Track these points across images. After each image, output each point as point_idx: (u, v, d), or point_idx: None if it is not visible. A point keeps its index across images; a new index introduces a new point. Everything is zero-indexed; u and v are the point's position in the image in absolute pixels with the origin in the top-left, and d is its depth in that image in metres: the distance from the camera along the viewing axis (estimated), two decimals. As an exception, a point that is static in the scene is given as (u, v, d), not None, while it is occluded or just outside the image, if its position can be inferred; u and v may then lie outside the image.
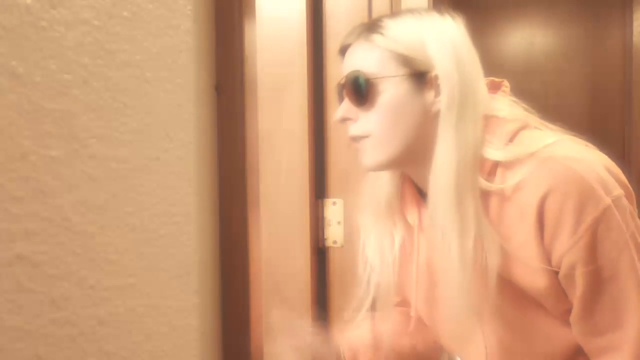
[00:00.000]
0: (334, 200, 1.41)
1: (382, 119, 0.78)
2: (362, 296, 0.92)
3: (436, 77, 0.78)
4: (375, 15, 1.37)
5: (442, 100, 0.77)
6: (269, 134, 1.37)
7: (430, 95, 0.78)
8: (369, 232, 0.93)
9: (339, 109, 0.83)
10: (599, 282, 0.76)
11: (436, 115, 0.79)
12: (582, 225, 0.73)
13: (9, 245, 0.41)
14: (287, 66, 1.36)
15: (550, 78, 3.11)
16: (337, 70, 1.39)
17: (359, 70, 0.79)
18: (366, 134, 0.80)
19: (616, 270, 0.75)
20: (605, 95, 3.05)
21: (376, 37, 0.79)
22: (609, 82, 3.06)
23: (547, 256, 0.77)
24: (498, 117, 0.80)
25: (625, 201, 0.75)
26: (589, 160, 0.75)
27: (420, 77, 0.78)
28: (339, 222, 1.40)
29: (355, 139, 0.81)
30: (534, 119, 0.83)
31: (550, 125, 0.83)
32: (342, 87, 0.83)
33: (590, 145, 0.81)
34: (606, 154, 0.81)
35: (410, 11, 0.82)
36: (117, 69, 0.53)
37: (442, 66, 0.78)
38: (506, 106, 0.83)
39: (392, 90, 0.78)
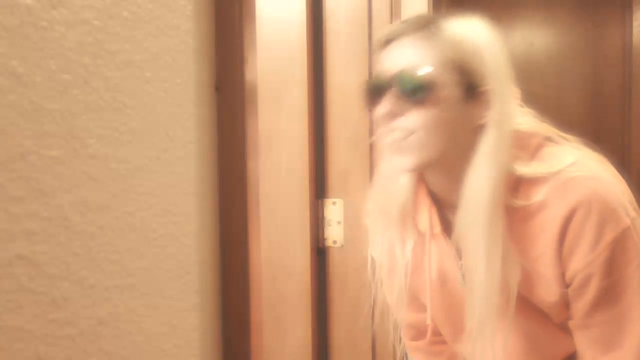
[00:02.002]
0: (334, 200, 1.41)
1: (430, 119, 0.76)
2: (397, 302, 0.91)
3: (487, 93, 0.77)
4: (375, 15, 1.37)
5: (491, 117, 0.77)
6: (269, 134, 1.37)
7: (477, 109, 0.78)
8: (380, 237, 0.92)
9: (384, 102, 0.79)
10: (607, 297, 0.76)
11: (478, 127, 0.78)
12: (601, 243, 0.74)
13: (9, 245, 0.41)
14: (287, 66, 1.36)
15: (550, 78, 3.11)
16: (337, 70, 1.39)
17: (415, 68, 0.76)
18: (411, 131, 0.77)
19: (625, 288, 0.76)
20: (605, 95, 3.05)
21: (434, 38, 0.77)
22: (608, 82, 3.06)
23: (561, 271, 0.78)
24: (521, 131, 0.80)
25: (638, 222, 0.77)
26: (610, 183, 0.76)
27: (471, 89, 0.77)
28: (339, 222, 1.40)
29: (396, 134, 0.79)
30: (550, 129, 0.84)
31: (565, 136, 0.84)
32: (385, 82, 0.79)
33: (604, 159, 0.82)
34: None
35: (460, 15, 0.80)
36: (117, 69, 0.53)
37: (496, 84, 0.77)
38: (524, 118, 0.84)
39: (444, 93, 0.76)
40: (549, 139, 0.82)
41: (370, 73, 1.37)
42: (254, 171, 0.81)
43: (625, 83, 3.06)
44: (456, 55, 0.76)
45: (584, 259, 0.75)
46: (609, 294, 0.76)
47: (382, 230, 0.91)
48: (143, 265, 0.57)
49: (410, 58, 0.77)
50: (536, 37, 3.17)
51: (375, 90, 0.81)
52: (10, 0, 0.41)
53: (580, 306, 0.78)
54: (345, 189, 1.40)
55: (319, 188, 1.41)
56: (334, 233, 1.41)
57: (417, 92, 0.76)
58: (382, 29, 1.37)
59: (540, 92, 3.13)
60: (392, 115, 0.78)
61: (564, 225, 0.75)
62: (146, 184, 0.57)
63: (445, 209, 0.87)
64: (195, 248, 0.66)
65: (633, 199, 0.79)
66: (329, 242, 1.41)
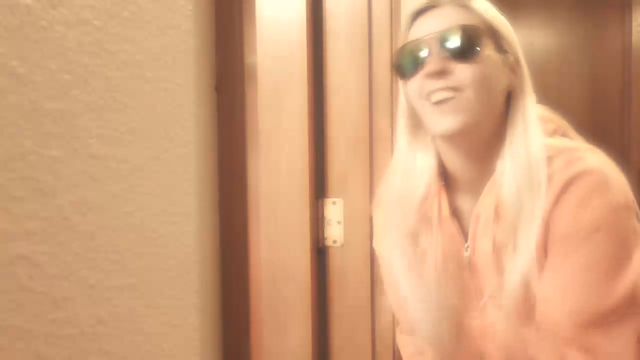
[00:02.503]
0: (333, 200, 1.41)
1: (478, 74, 0.78)
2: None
3: (514, 62, 0.83)
4: (375, 15, 1.37)
5: (520, 87, 0.82)
6: (269, 134, 1.37)
7: (509, 73, 0.83)
8: (393, 229, 0.91)
9: (433, 61, 0.80)
10: (562, 263, 0.76)
11: (508, 95, 0.83)
12: (587, 206, 0.74)
13: (9, 245, 0.41)
14: (287, 66, 1.36)
15: (550, 78, 3.11)
16: (337, 70, 1.39)
17: (463, 25, 0.79)
18: (460, 88, 0.78)
19: (584, 261, 0.75)
20: (604, 96, 3.05)
21: (470, 7, 0.82)
22: (608, 82, 3.06)
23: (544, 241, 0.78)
24: (539, 114, 0.84)
25: (635, 221, 0.77)
26: (617, 173, 0.78)
27: (504, 54, 0.83)
28: (339, 222, 1.40)
29: (443, 94, 0.79)
30: (565, 124, 0.87)
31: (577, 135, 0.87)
32: (433, 42, 0.80)
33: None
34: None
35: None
36: (117, 69, 0.53)
37: (519, 54, 0.84)
38: (540, 109, 0.87)
39: (488, 52, 0.80)
40: (562, 128, 0.86)
41: (370, 73, 1.37)
42: (254, 171, 0.81)
43: (625, 83, 3.06)
44: (491, 22, 0.82)
45: (565, 217, 0.75)
46: (571, 256, 0.75)
47: (398, 222, 0.90)
48: (143, 265, 0.57)
49: (454, 19, 0.81)
50: (536, 37, 3.17)
51: (413, 55, 0.82)
52: (10, 0, 0.41)
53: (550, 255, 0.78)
54: (345, 188, 1.40)
55: (319, 188, 1.41)
56: (334, 233, 1.41)
57: (465, 49, 0.78)
58: (382, 29, 1.37)
59: (540, 92, 3.13)
60: (441, 74, 0.79)
61: (561, 192, 0.76)
62: (146, 184, 0.57)
63: (455, 192, 0.87)
64: (195, 248, 0.66)
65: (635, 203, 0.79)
66: (329, 242, 1.42)
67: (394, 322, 1.32)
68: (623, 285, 0.72)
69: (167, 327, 0.61)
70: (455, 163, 0.85)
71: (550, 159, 0.78)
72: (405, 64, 0.83)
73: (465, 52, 0.78)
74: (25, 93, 0.42)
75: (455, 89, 0.78)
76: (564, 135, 0.86)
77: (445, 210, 0.86)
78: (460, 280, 0.87)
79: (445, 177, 0.88)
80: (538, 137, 0.79)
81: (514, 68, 0.83)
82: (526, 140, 0.79)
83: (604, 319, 0.73)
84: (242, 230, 0.76)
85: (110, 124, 0.52)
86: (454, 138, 0.82)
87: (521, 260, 0.77)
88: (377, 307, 1.38)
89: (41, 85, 0.44)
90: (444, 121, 0.79)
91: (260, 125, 1.35)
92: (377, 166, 1.37)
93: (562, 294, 0.75)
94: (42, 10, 0.44)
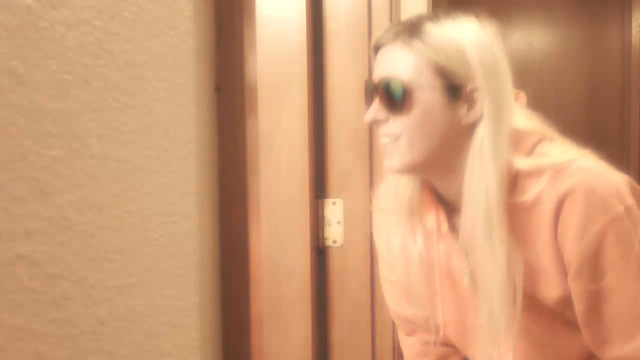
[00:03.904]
0: (333, 200, 1.41)
1: (412, 124, 0.78)
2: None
3: (472, 91, 0.78)
4: (375, 15, 1.38)
5: (481, 114, 0.78)
6: (269, 134, 1.37)
7: (462, 108, 0.79)
8: (391, 231, 0.92)
9: (370, 110, 0.82)
10: (603, 295, 0.76)
11: (467, 127, 0.79)
12: (589, 232, 0.74)
13: (9, 245, 0.41)
14: (287, 66, 1.36)
15: (549, 78, 3.11)
16: (337, 70, 1.39)
17: (393, 77, 0.78)
18: (396, 136, 0.80)
19: (623, 282, 0.75)
20: (604, 96, 3.05)
21: (416, 43, 0.78)
22: (607, 82, 3.06)
23: (562, 264, 0.78)
24: (518, 129, 0.81)
25: (638, 212, 0.76)
26: (603, 172, 0.76)
27: (455, 89, 0.78)
28: (338, 222, 1.40)
29: (384, 139, 0.81)
30: (550, 131, 0.84)
31: (566, 140, 0.85)
32: (373, 89, 0.82)
33: (602, 160, 0.82)
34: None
35: (450, 16, 0.81)
36: (117, 69, 0.53)
37: (481, 80, 0.77)
38: (524, 118, 0.84)
39: (425, 99, 0.78)
40: (546, 137, 0.82)
41: (370, 73, 1.37)
42: (254, 171, 0.81)
43: (624, 83, 3.06)
44: (437, 56, 0.77)
45: (574, 248, 0.75)
46: (606, 291, 0.76)
47: (393, 225, 0.91)
48: (143, 265, 0.57)
49: (391, 66, 0.80)
50: (536, 37, 3.17)
51: (368, 95, 0.84)
52: (10, 0, 0.41)
53: (582, 297, 0.78)
54: (345, 188, 1.40)
55: (319, 188, 1.41)
56: (333, 233, 1.41)
57: (396, 100, 0.78)
58: (382, 29, 1.37)
59: (539, 92, 3.13)
60: (378, 122, 0.81)
61: (555, 216, 0.75)
62: (146, 184, 0.57)
63: (450, 208, 0.88)
64: (195, 248, 0.66)
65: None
66: (328, 242, 1.42)
67: (394, 322, 1.32)
68: None
69: (167, 327, 0.61)
70: (436, 184, 0.87)
71: (529, 180, 0.77)
72: (366, 101, 0.85)
73: (395, 105, 0.78)
74: (25, 93, 0.42)
75: (391, 135, 0.80)
76: (551, 141, 0.83)
77: (444, 226, 0.87)
78: (462, 296, 0.88)
79: (438, 194, 0.89)
80: (493, 168, 0.77)
81: (471, 100, 0.78)
82: (481, 170, 0.77)
83: None
84: (242, 230, 0.76)
85: (110, 124, 0.52)
86: (405, 173, 0.85)
87: (491, 292, 0.78)
88: (377, 307, 1.38)
89: (41, 85, 0.44)
90: (388, 161, 0.82)
91: (260, 125, 1.35)
92: (377, 166, 1.37)
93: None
94: (42, 10, 0.44)
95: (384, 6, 1.38)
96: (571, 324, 0.82)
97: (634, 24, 3.06)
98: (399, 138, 0.79)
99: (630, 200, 0.75)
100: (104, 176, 0.51)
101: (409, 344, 1.05)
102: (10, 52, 0.41)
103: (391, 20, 1.38)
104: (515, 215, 0.78)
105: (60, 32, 0.45)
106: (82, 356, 0.49)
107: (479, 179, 0.77)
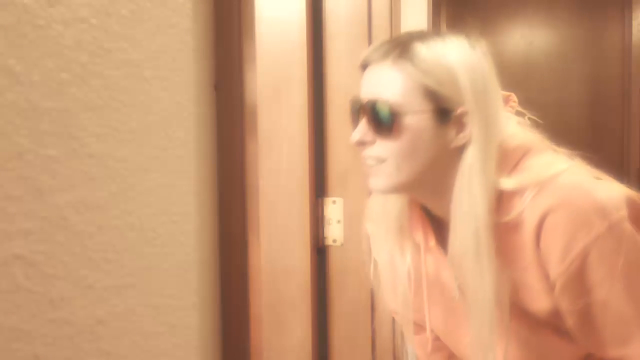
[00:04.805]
0: (333, 199, 1.41)
1: (399, 149, 0.77)
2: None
3: (462, 115, 0.76)
4: (375, 15, 1.37)
5: (470, 137, 0.76)
6: (269, 134, 1.37)
7: (452, 131, 0.77)
8: (381, 243, 0.92)
9: (356, 131, 0.80)
10: (591, 309, 0.76)
11: (455, 149, 0.78)
12: (572, 252, 0.73)
13: (6, 245, 0.41)
14: (287, 66, 1.36)
15: (550, 77, 3.11)
16: (337, 70, 1.39)
17: (382, 99, 0.76)
18: (381, 159, 0.78)
19: (610, 297, 0.75)
20: (604, 95, 3.05)
21: (405, 65, 0.76)
22: (608, 81, 3.06)
23: (548, 281, 0.77)
24: (503, 147, 0.79)
25: (627, 224, 0.74)
26: (588, 187, 0.75)
27: (445, 113, 0.76)
28: (338, 221, 1.40)
29: (369, 161, 0.80)
30: (539, 141, 0.82)
31: (556, 148, 0.83)
32: (359, 109, 0.80)
33: (603, 176, 0.80)
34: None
35: (440, 35, 0.79)
36: (115, 68, 0.52)
37: (472, 104, 0.76)
38: (512, 129, 0.82)
39: (414, 123, 0.76)
40: (532, 150, 0.80)
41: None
42: (254, 171, 0.81)
43: (625, 82, 3.06)
44: (427, 80, 0.75)
45: (557, 268, 0.74)
46: (594, 308, 0.75)
47: (382, 239, 0.91)
48: (142, 265, 0.57)
49: (378, 88, 0.77)
50: (536, 37, 3.17)
51: (354, 114, 0.82)
52: (7, -2, 0.41)
53: (571, 313, 0.78)
54: (345, 188, 1.40)
55: (319, 187, 1.41)
56: (333, 232, 1.41)
57: (384, 123, 0.76)
58: (382, 29, 1.37)
59: (540, 92, 3.12)
60: (365, 144, 0.79)
61: (537, 235, 0.74)
62: (145, 184, 0.57)
63: (438, 222, 0.87)
64: (194, 247, 0.66)
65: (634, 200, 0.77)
66: (328, 241, 1.41)
67: (394, 322, 1.31)
68: None
69: (167, 327, 0.61)
70: (425, 202, 0.86)
71: (512, 199, 0.76)
72: (352, 119, 0.83)
73: (382, 128, 0.76)
74: (22, 92, 0.42)
75: (376, 158, 0.78)
76: (538, 153, 0.82)
77: (432, 241, 0.86)
78: (452, 307, 0.88)
79: (426, 210, 0.88)
80: (481, 191, 0.76)
81: (461, 123, 0.77)
82: (469, 193, 0.76)
83: None
84: (242, 229, 0.76)
85: (108, 123, 0.52)
86: (390, 194, 0.85)
87: (481, 309, 0.79)
88: (377, 306, 1.38)
89: (38, 84, 0.44)
90: (372, 181, 0.80)
91: (260, 125, 1.34)
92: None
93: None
94: (39, 8, 0.43)
95: (384, 6, 1.38)
96: (565, 332, 0.82)
97: (635, 24, 3.06)
98: (385, 161, 0.78)
99: (616, 214, 0.73)
100: (102, 175, 0.51)
101: (420, 342, 1.04)
102: (7, 50, 0.41)
103: (391, 20, 1.38)
104: (501, 234, 0.78)
105: (57, 30, 0.45)
106: (80, 357, 0.48)
107: (467, 202, 0.76)
